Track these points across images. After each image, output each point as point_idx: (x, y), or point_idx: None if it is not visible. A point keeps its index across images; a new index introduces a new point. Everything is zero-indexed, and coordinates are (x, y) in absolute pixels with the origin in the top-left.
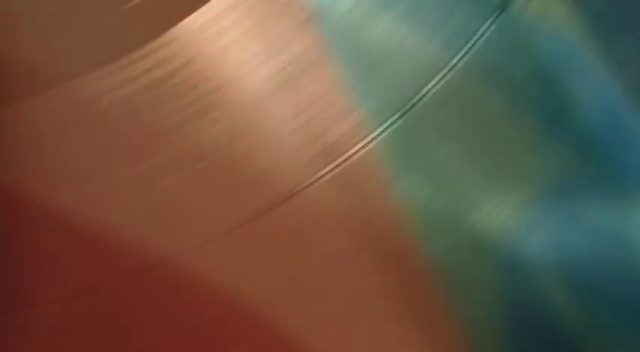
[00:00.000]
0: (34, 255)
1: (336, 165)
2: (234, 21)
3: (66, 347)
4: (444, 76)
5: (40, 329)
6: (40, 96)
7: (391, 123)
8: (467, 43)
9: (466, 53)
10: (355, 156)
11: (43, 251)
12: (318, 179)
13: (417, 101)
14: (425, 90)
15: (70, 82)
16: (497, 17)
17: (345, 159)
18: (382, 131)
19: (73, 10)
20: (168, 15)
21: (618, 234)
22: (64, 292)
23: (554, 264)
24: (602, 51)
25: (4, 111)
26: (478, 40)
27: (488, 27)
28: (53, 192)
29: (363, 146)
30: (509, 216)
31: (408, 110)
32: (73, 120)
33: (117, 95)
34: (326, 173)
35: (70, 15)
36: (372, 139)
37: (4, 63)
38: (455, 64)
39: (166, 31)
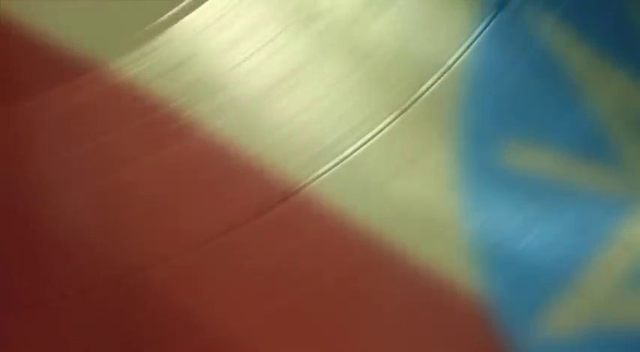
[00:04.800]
0: (29, 257)
1: (334, 165)
2: (233, 19)
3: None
4: (441, 75)
5: (25, 333)
6: (38, 97)
7: (389, 123)
8: (464, 42)
9: (463, 53)
10: (353, 156)
11: (38, 252)
12: (315, 178)
13: (415, 100)
14: (422, 89)
15: (68, 83)
16: (494, 17)
17: (343, 159)
18: (380, 130)
19: (70, 10)
20: (168, 13)
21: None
22: (55, 294)
23: (550, 264)
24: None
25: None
26: (475, 39)
27: (486, 26)
28: (50, 194)
29: (361, 145)
30: (506, 217)
31: (405, 109)
32: (71, 122)
33: (115, 95)
34: (324, 172)
35: (68, 15)
36: (370, 138)
37: (3, 64)
38: (452, 64)
39: (166, 30)
